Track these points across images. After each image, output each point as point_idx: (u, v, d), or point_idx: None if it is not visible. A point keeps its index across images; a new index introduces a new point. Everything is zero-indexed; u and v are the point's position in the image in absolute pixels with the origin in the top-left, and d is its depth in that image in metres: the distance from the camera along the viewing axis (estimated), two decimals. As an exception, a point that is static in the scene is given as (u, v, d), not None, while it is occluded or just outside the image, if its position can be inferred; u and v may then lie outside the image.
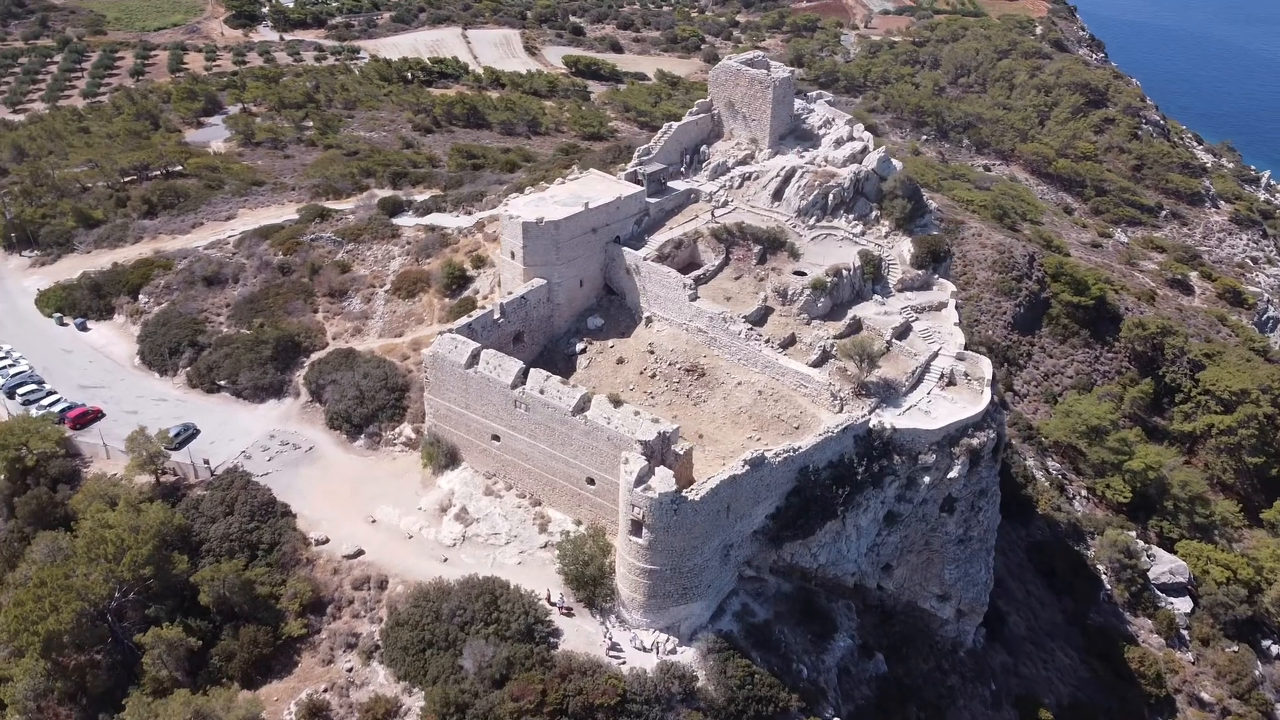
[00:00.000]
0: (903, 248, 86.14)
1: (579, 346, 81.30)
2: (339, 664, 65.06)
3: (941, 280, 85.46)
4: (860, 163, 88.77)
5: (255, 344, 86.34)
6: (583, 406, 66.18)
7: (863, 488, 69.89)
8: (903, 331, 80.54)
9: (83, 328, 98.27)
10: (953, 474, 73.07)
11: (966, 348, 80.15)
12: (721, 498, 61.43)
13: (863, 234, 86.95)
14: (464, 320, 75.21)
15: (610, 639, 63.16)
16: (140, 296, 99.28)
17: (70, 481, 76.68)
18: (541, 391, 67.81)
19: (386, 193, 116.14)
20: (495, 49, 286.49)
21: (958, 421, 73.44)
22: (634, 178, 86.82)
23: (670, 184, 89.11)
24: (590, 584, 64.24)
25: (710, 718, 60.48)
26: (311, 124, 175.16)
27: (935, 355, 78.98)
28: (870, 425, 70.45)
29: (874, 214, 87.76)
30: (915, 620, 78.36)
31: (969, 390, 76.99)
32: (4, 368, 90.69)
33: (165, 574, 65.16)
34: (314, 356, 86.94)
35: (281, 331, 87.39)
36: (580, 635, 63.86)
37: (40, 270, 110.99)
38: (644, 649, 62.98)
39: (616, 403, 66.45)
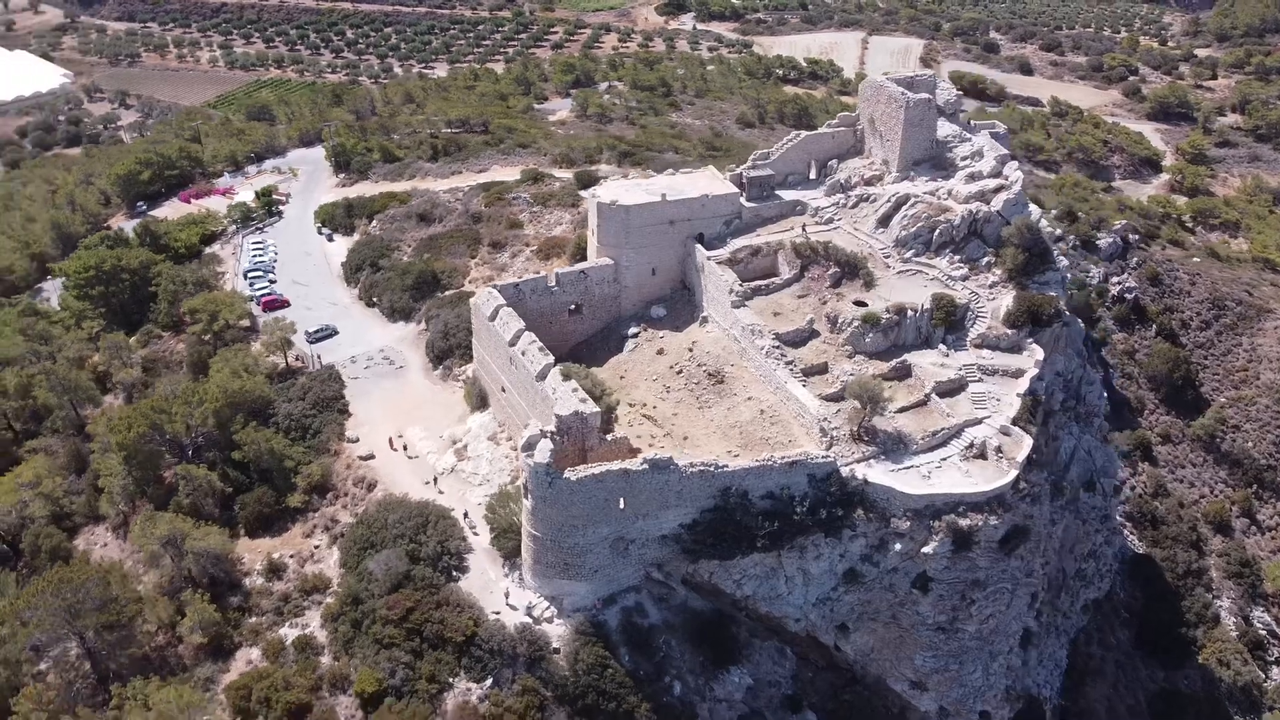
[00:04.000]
0: (1003, 302, 76.90)
1: (633, 331, 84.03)
2: (313, 540, 76.11)
3: (1033, 346, 75.05)
4: (987, 203, 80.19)
5: (402, 273, 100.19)
6: (544, 374, 69.97)
7: (806, 531, 65.61)
8: (954, 389, 72.84)
9: (329, 239, 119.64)
10: (928, 549, 65.62)
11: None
12: (607, 487, 62.20)
13: (965, 278, 78.97)
14: (513, 280, 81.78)
15: (507, 590, 67.15)
16: (374, 221, 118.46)
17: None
18: (524, 353, 72.61)
19: (610, 168, 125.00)
20: (890, 57, 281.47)
21: (946, 494, 65.71)
22: (738, 180, 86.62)
23: (781, 192, 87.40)
24: (500, 535, 68.48)
25: (545, 688, 62.20)
26: (637, 104, 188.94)
27: (977, 423, 70.58)
28: (834, 469, 65.76)
29: (985, 260, 79.17)
30: (878, 698, 71.44)
31: (995, 468, 68.06)
32: (254, 254, 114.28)
33: (225, 429, 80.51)
34: (446, 294, 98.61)
35: (425, 266, 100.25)
36: (482, 579, 68.48)
37: (341, 190, 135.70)
38: (527, 608, 65.96)
39: (567, 376, 69.28)
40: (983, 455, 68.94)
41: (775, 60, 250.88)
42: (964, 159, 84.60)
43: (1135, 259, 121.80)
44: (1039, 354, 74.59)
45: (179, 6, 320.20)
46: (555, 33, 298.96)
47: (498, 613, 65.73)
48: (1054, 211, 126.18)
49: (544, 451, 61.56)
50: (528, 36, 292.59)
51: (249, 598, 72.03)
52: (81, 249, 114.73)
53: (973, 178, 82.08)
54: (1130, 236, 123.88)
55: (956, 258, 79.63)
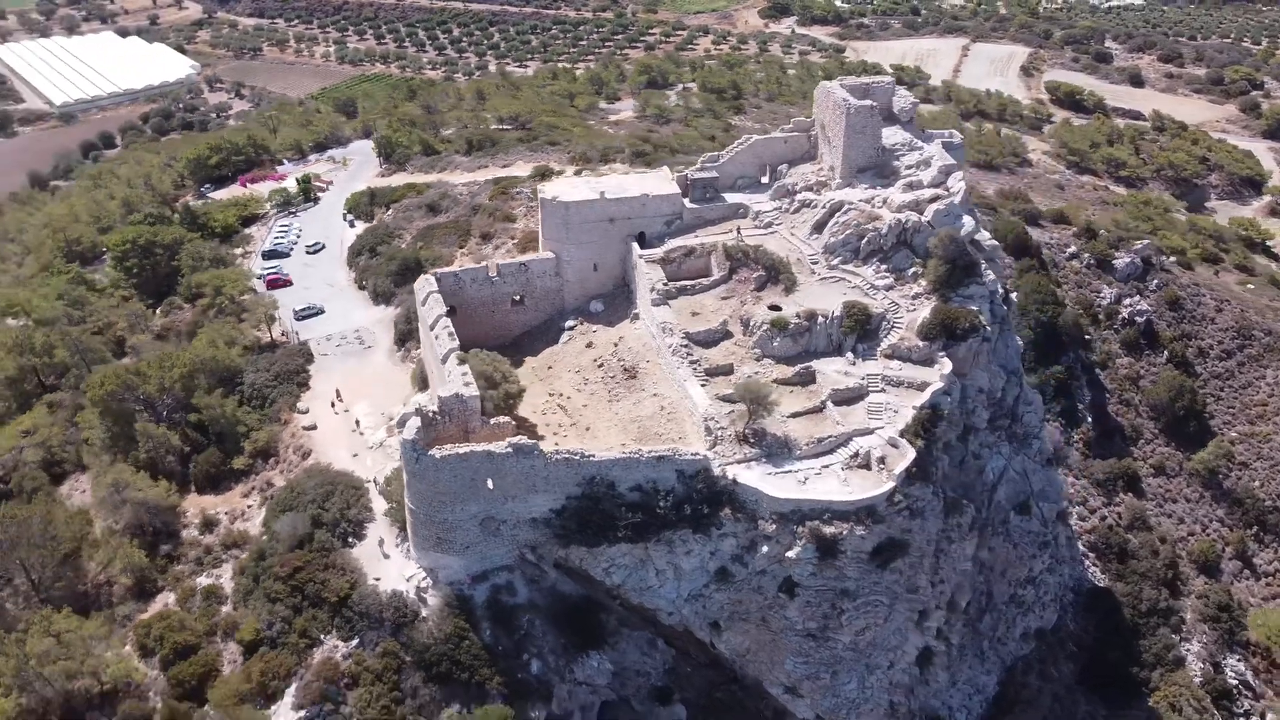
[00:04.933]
0: (921, 313, 75.82)
1: (570, 324, 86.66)
2: (249, 500, 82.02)
3: (945, 360, 73.75)
4: (921, 213, 79.03)
5: (389, 259, 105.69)
6: (446, 357, 73.51)
7: (672, 526, 66.90)
8: (852, 398, 72.68)
9: (351, 224, 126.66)
10: (792, 554, 65.99)
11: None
12: (472, 467, 65.09)
13: (890, 288, 78.25)
14: (454, 268, 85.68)
15: (384, 551, 71.29)
16: (390, 209, 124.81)
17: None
18: (436, 337, 76.37)
19: (622, 167, 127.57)
20: (988, 64, 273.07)
21: (812, 501, 65.90)
22: (683, 181, 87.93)
23: (729, 195, 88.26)
24: (395, 507, 72.39)
25: (406, 653, 65.73)
26: (698, 106, 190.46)
27: (868, 433, 70.27)
28: (704, 467, 66.80)
29: (912, 270, 78.16)
30: (756, 700, 71.90)
31: (876, 478, 67.70)
32: (276, 237, 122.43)
33: (189, 393, 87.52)
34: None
35: (411, 254, 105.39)
36: (375, 547, 72.45)
37: (381, 180, 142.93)
38: (408, 577, 69.66)
39: (462, 360, 72.54)
40: (867, 465, 68.61)
41: (859, 65, 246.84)
42: (908, 168, 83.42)
43: (1155, 281, 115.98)
44: (947, 367, 73.31)
45: (304, 4, 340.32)
46: (653, 34, 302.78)
47: (378, 579, 69.67)
48: (1074, 229, 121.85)
49: (411, 429, 65.11)
50: (624, 37, 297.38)
51: (178, 547, 78.48)
52: (126, 224, 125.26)
53: (910, 187, 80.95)
54: (1155, 258, 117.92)
55: (883, 267, 78.92)
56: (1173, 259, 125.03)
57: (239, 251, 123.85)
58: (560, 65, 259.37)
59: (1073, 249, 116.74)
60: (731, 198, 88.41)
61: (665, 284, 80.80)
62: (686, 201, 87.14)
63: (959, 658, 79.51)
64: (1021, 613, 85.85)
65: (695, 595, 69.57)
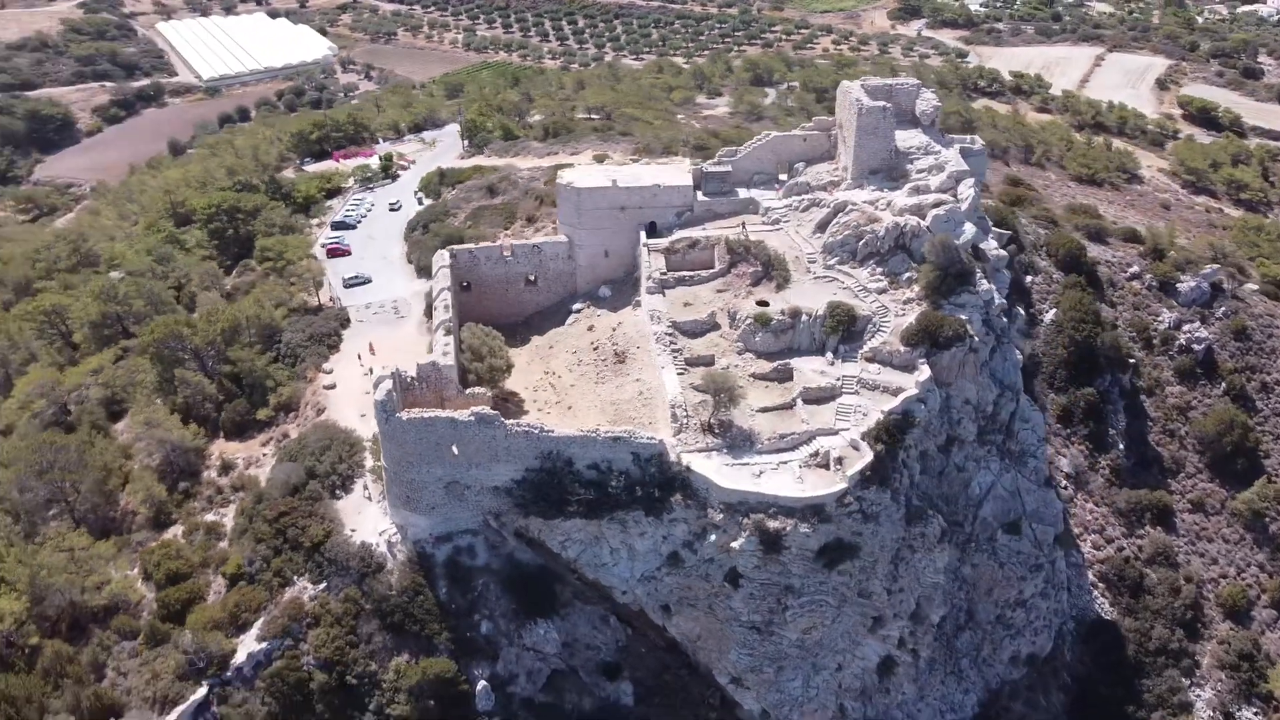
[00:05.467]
0: (909, 319, 74.90)
1: (577, 306, 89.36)
2: (266, 448, 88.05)
3: (924, 367, 72.69)
4: (923, 217, 77.84)
5: (434, 236, 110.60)
6: (436, 328, 77.31)
7: (624, 506, 68.70)
8: (825, 398, 72.79)
9: (420, 202, 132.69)
10: (736, 544, 66.83)
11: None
12: (437, 432, 68.57)
13: (882, 291, 77.60)
14: (469, 246, 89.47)
15: (368, 495, 75.73)
16: (455, 189, 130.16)
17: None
18: (435, 309, 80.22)
19: (679, 158, 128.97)
20: (1121, 75, 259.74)
21: (759, 494, 66.59)
22: (698, 174, 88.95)
23: (744, 191, 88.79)
24: (379, 463, 76.65)
25: (366, 601, 69.91)
26: (791, 104, 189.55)
27: (833, 433, 70.31)
28: (659, 451, 68.32)
29: (908, 274, 77.24)
30: (706, 688, 72.86)
31: (830, 478, 67.81)
32: (348, 209, 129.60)
33: (228, 346, 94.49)
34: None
35: (456, 232, 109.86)
36: (358, 501, 76.91)
37: (460, 161, 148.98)
38: (377, 531, 73.88)
39: (448, 332, 76.05)
40: (826, 465, 68.62)
41: (975, 71, 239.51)
42: (919, 172, 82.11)
43: (1223, 308, 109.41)
44: (925, 374, 72.25)
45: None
46: (774, 31, 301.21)
47: (353, 530, 74.08)
48: (1140, 248, 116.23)
49: (382, 390, 69.05)
50: (744, 34, 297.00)
51: (195, 485, 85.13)
52: (214, 191, 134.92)
53: (917, 190, 79.82)
54: (1225, 283, 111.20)
55: (879, 270, 78.28)
56: (1254, 288, 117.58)
57: (315, 221, 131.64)
58: (672, 59, 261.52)
59: (1134, 269, 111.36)
60: (747, 193, 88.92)
61: (664, 273, 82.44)
62: (698, 194, 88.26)
63: (928, 671, 78.21)
64: (1010, 635, 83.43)
65: (648, 577, 71.13)
